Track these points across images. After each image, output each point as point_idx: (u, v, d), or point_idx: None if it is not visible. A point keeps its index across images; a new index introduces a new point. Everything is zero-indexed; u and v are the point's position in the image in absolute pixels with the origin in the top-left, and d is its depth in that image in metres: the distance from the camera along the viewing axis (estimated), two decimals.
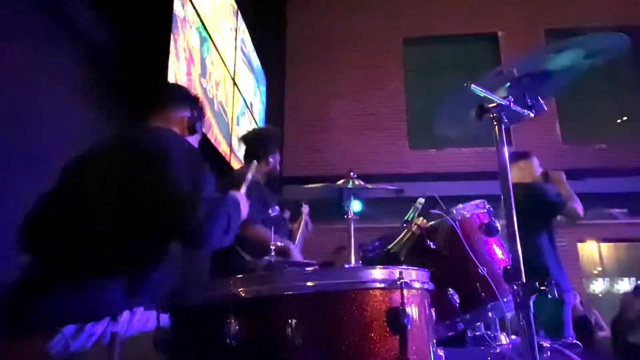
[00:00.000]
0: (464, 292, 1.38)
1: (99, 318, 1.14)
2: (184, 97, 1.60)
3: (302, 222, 2.91)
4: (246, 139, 2.74)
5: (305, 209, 3.01)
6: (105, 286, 1.15)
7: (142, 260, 1.23)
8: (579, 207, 3.10)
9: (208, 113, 4.23)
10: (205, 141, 4.03)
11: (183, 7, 3.60)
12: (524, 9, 8.23)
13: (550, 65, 1.27)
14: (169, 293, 1.03)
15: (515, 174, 3.28)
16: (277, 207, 2.58)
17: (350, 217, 1.69)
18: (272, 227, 2.19)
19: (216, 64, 4.55)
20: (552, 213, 3.12)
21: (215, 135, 4.43)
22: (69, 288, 1.11)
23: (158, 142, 1.28)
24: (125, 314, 1.19)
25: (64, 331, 1.09)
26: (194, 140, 1.58)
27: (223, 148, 4.63)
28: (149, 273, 1.26)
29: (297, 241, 2.79)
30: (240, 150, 2.88)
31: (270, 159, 2.62)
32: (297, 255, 2.49)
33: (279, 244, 2.08)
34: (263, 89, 6.97)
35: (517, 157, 3.29)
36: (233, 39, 5.27)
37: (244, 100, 5.73)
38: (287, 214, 3.10)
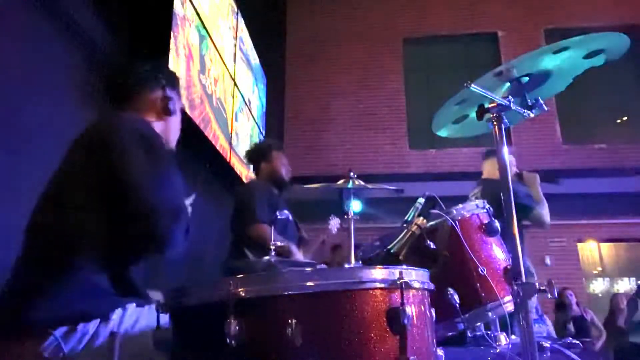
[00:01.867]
0: (464, 292, 1.38)
1: (90, 319, 1.13)
2: (151, 77, 1.45)
3: (324, 235, 2.94)
4: (245, 155, 3.12)
5: (333, 221, 3.01)
6: (93, 286, 1.14)
7: (125, 255, 1.21)
8: (546, 214, 3.02)
9: (207, 109, 4.24)
10: (203, 137, 4.03)
11: (183, 5, 3.62)
12: (524, 9, 8.23)
13: (550, 65, 1.27)
14: (169, 293, 1.03)
15: (489, 170, 3.27)
16: (285, 211, 2.66)
17: (350, 217, 1.69)
18: (275, 228, 2.24)
19: (215, 62, 4.57)
20: (517, 215, 3.06)
21: (214, 131, 4.43)
22: (56, 290, 1.09)
23: (106, 132, 1.22)
24: (117, 311, 1.18)
25: (55, 333, 1.09)
26: (175, 121, 1.47)
27: (222, 143, 4.65)
28: (134, 268, 1.24)
29: (311, 249, 2.82)
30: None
31: (263, 166, 2.83)
32: (299, 256, 2.53)
33: (278, 243, 2.11)
34: (262, 86, 6.97)
35: (492, 153, 3.23)
36: (232, 37, 5.29)
37: (243, 97, 5.75)
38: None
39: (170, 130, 1.46)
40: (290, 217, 2.73)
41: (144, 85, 1.43)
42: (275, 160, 2.83)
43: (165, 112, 1.42)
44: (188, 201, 1.65)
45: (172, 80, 1.51)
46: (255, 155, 2.92)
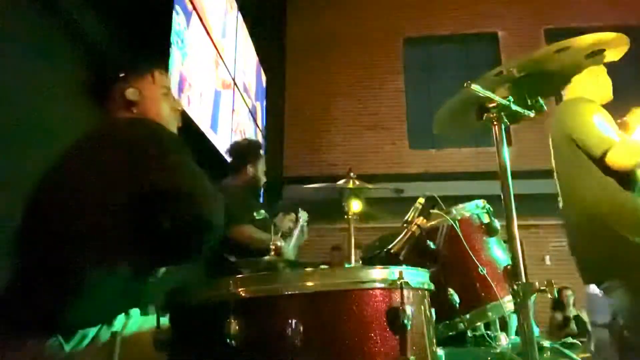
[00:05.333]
0: (464, 292, 1.38)
1: (93, 325, 1.13)
2: (113, 70, 1.41)
3: (298, 229, 2.96)
4: (228, 151, 2.91)
5: (302, 214, 3.04)
6: (99, 293, 1.12)
7: (131, 262, 1.19)
8: None
9: None
10: (204, 138, 4.04)
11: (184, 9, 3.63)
12: (524, 9, 8.23)
13: (550, 65, 1.27)
14: (169, 293, 1.03)
15: None
16: (262, 211, 2.66)
17: (350, 217, 1.69)
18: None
19: (216, 64, 4.58)
20: None
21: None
22: (61, 296, 1.08)
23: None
24: (120, 317, 1.18)
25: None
26: (150, 109, 1.39)
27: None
28: (144, 276, 1.24)
29: (290, 245, 2.83)
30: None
31: (250, 169, 2.72)
32: (289, 256, 2.55)
33: (278, 243, 2.13)
34: (262, 88, 6.99)
35: None
36: (233, 37, 5.31)
37: (244, 99, 5.77)
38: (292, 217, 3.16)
39: (162, 120, 1.39)
40: (268, 216, 2.72)
41: (109, 80, 1.40)
42: (259, 166, 2.78)
43: (129, 104, 1.36)
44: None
45: (142, 69, 1.44)
46: (244, 156, 2.79)
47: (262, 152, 2.87)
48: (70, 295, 1.09)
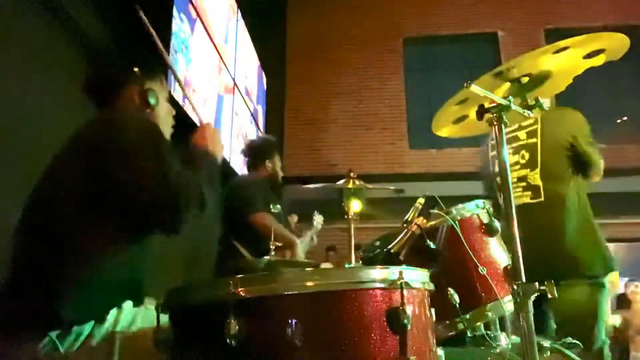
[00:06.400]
0: (464, 292, 1.37)
1: (84, 322, 1.13)
2: (123, 73, 1.44)
3: (312, 231, 3.02)
4: (244, 149, 3.01)
5: (317, 217, 3.10)
6: (89, 289, 1.13)
7: (121, 257, 1.21)
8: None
9: None
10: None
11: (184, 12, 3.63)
12: (524, 9, 8.22)
13: (550, 65, 1.27)
14: (169, 293, 1.03)
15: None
16: (278, 206, 2.73)
17: (350, 217, 1.69)
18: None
19: (219, 69, 4.59)
20: None
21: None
22: (51, 293, 1.09)
23: (110, 131, 1.23)
24: (113, 311, 1.18)
25: (50, 333, 1.09)
26: (161, 111, 1.46)
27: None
28: (131, 269, 1.25)
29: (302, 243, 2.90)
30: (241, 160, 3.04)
31: (268, 164, 2.81)
32: (301, 253, 2.61)
33: (293, 237, 2.19)
34: (263, 91, 6.99)
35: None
36: (233, 38, 5.31)
37: (245, 102, 5.78)
38: (295, 218, 3.24)
39: (158, 121, 1.43)
40: (282, 211, 2.79)
41: (117, 83, 1.41)
42: (277, 162, 2.87)
43: (144, 105, 1.39)
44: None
45: (152, 71, 1.47)
46: (263, 152, 2.87)
47: (277, 147, 2.95)
48: (60, 290, 1.09)
